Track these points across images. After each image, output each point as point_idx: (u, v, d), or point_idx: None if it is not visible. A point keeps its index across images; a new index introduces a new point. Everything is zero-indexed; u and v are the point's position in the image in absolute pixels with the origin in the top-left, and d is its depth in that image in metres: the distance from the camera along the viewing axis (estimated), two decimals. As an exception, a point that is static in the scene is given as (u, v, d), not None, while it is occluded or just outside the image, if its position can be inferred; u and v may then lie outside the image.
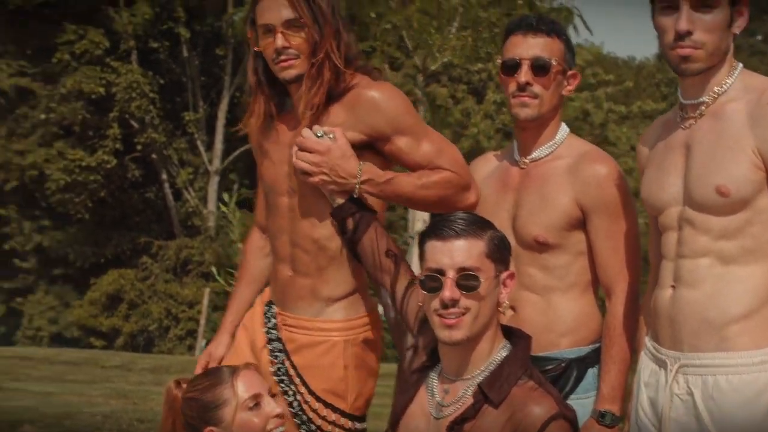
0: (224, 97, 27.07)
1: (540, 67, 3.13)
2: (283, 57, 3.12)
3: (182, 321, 24.20)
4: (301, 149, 3.09)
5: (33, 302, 27.36)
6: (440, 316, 2.68)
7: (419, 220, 13.85)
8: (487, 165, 3.35)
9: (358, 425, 3.19)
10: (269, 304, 3.33)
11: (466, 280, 2.66)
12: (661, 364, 2.77)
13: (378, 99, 3.11)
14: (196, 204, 26.63)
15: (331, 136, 3.06)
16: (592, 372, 3.11)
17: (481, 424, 2.65)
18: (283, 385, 3.20)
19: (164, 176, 26.97)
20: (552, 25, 3.20)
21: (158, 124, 25.95)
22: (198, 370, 3.40)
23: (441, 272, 2.68)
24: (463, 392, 2.72)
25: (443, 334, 2.69)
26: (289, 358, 3.23)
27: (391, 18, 9.77)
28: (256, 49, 3.19)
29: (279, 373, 3.20)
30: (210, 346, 3.48)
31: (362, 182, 3.07)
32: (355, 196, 3.08)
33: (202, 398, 2.96)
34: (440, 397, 2.76)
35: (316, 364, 3.18)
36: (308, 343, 3.19)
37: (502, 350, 2.74)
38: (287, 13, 3.11)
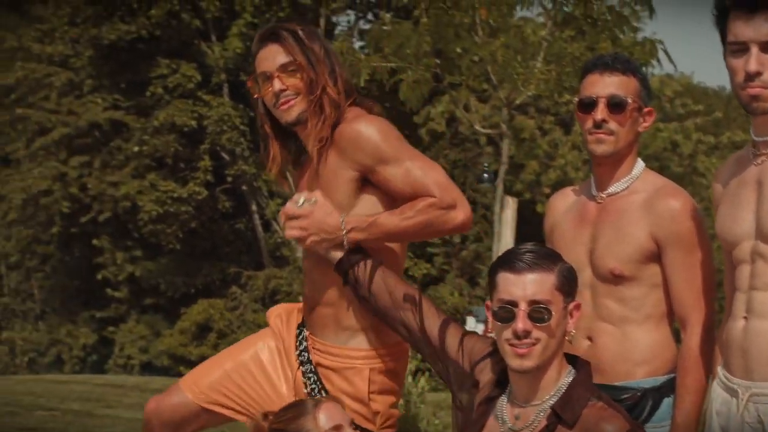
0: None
1: (616, 105, 3.24)
2: (282, 99, 3.30)
3: (270, 351, 24.52)
4: (288, 218, 3.26)
5: (124, 331, 27.90)
6: (512, 345, 2.79)
7: (504, 251, 13.83)
8: (566, 200, 3.46)
9: None
10: (301, 327, 3.48)
11: (538, 313, 2.78)
12: (733, 393, 2.85)
13: (357, 133, 3.25)
14: (284, 235, 26.99)
15: (312, 200, 3.24)
16: (667, 401, 3.18)
17: None
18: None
19: (254, 207, 27.39)
20: (627, 64, 3.32)
21: (248, 156, 26.38)
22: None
23: (513, 304, 2.79)
24: (535, 416, 2.82)
25: (515, 363, 2.80)
26: (320, 381, 3.38)
27: (477, 52, 9.91)
28: (256, 96, 3.39)
29: (313, 395, 3.35)
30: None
31: (348, 232, 3.20)
32: (346, 247, 3.22)
33: (286, 429, 3.11)
34: (511, 422, 2.86)
35: (343, 391, 3.32)
36: (335, 368, 3.35)
37: (568, 375, 2.86)
38: (282, 59, 3.30)
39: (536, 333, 2.78)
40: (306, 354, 3.43)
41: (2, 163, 31.02)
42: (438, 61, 9.96)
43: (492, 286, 2.88)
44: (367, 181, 3.29)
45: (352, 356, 3.36)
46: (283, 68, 3.32)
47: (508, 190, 17.30)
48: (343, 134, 3.29)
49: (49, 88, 28.40)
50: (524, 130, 26.54)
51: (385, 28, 10.22)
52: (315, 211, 3.24)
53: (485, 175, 20.38)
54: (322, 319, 3.38)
